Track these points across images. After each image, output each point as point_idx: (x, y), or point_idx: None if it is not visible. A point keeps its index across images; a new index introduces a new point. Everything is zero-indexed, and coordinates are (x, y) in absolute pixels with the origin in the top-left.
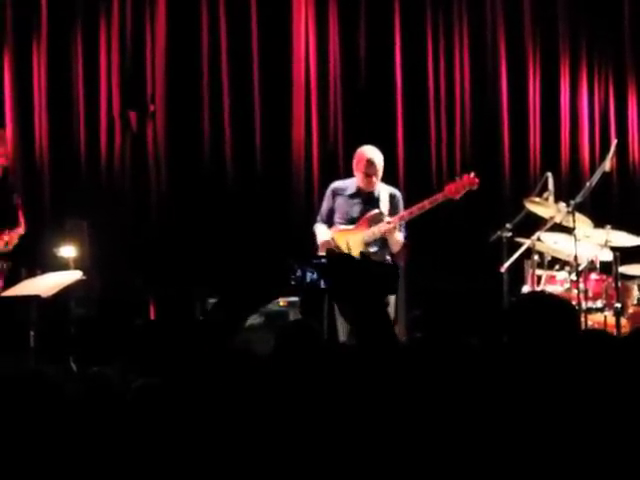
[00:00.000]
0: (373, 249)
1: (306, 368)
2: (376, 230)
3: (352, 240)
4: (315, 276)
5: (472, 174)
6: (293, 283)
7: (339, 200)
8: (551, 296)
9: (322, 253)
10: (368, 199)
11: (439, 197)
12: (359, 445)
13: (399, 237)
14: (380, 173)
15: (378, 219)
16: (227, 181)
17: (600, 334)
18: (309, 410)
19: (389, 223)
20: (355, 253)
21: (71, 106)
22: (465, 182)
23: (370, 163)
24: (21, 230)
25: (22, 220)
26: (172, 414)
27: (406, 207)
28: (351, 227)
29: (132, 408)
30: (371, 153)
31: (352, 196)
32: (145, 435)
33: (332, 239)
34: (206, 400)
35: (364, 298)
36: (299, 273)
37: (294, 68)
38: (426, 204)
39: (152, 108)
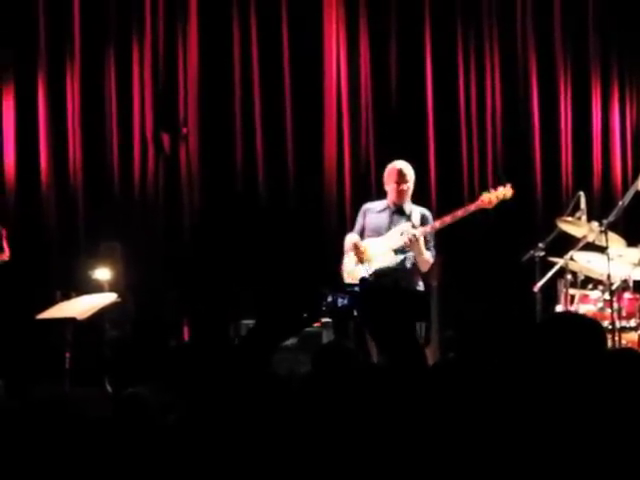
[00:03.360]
0: (401, 257)
1: (344, 390)
2: (406, 239)
3: (380, 248)
4: (346, 301)
5: (508, 185)
6: (324, 309)
7: (369, 217)
8: (577, 316)
9: (349, 254)
10: (398, 213)
11: (472, 207)
12: (397, 467)
13: (426, 255)
14: (411, 185)
15: (408, 230)
16: (260, 201)
17: (628, 353)
18: (349, 431)
19: (424, 229)
20: (382, 262)
21: (104, 129)
22: (499, 192)
23: (401, 172)
24: (5, 257)
25: (6, 248)
26: (212, 437)
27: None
28: (380, 238)
29: (175, 433)
30: (402, 164)
31: (382, 211)
32: (183, 459)
33: (359, 243)
34: (242, 423)
35: (395, 325)
36: (330, 299)
37: (326, 87)
38: (459, 213)
39: (185, 130)
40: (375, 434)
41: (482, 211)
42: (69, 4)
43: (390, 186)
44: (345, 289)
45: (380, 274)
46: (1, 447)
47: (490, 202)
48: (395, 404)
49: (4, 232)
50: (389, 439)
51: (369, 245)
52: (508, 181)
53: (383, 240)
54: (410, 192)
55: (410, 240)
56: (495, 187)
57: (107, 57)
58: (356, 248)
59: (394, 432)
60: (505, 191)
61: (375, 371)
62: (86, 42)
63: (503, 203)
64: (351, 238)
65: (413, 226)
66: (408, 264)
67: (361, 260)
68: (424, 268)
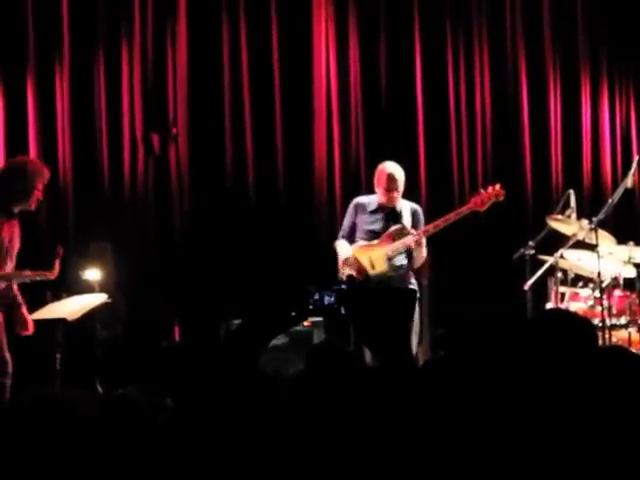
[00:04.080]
0: (398, 263)
1: (339, 390)
2: (399, 244)
3: (375, 255)
4: (332, 299)
5: (498, 186)
6: (311, 307)
7: (361, 216)
8: (568, 313)
9: (344, 271)
10: (390, 214)
11: (464, 209)
12: (388, 466)
13: (424, 252)
14: (401, 188)
15: (401, 233)
16: (250, 202)
17: (618, 351)
18: (340, 431)
19: (417, 235)
20: (378, 268)
21: (94, 129)
22: (491, 194)
23: (391, 178)
24: (52, 276)
25: (57, 267)
26: (200, 437)
27: (428, 222)
28: (374, 243)
29: (163, 433)
30: (392, 168)
31: (374, 212)
32: (172, 459)
33: (354, 257)
34: (232, 423)
35: (382, 323)
36: (317, 296)
37: (315, 86)
38: (451, 216)
39: (174, 131)
40: (367, 432)
41: (473, 213)
42: (58, 4)
43: (380, 190)
44: (333, 288)
45: (377, 280)
46: None
47: (483, 204)
48: (386, 402)
49: (61, 251)
50: (381, 436)
51: (362, 253)
52: (497, 181)
53: (376, 245)
54: (400, 194)
55: (413, 244)
56: (485, 188)
57: (96, 57)
58: (349, 265)
59: (386, 430)
60: (496, 192)
61: (368, 371)
62: (75, 42)
63: (495, 204)
64: (342, 252)
65: (404, 228)
66: (402, 270)
67: (359, 272)
68: (418, 264)
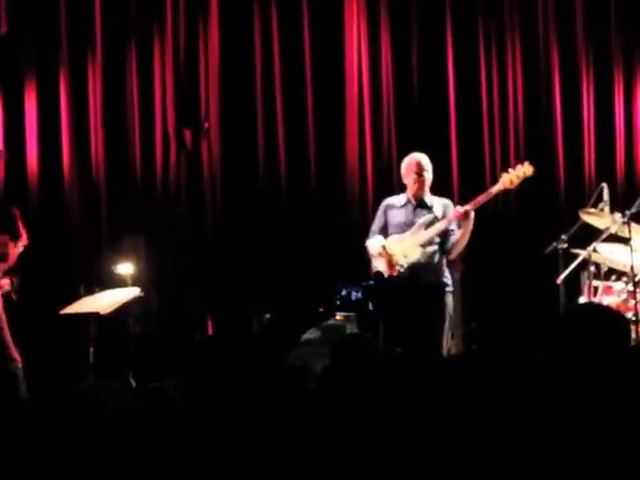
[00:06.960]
0: (430, 249)
1: (364, 381)
2: (432, 232)
3: (407, 244)
4: (360, 295)
5: (527, 163)
6: (338, 302)
7: (391, 213)
8: (602, 307)
9: (376, 263)
10: (420, 206)
11: (493, 190)
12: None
13: (467, 236)
14: (430, 176)
15: (433, 223)
16: (282, 196)
17: None
18: (367, 424)
19: (447, 221)
20: (411, 257)
21: (126, 124)
22: (519, 171)
23: (420, 163)
24: (24, 241)
25: (23, 231)
26: (228, 429)
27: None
28: (405, 235)
29: (194, 425)
30: (419, 156)
31: (404, 206)
32: (202, 450)
33: (386, 247)
34: (261, 416)
35: (409, 319)
36: (344, 292)
37: (347, 82)
38: (480, 198)
39: (207, 125)
40: (391, 423)
41: (505, 193)
42: (91, 1)
43: (410, 178)
44: (361, 283)
45: (412, 269)
46: (27, 442)
47: (511, 182)
48: (411, 394)
49: (17, 212)
50: (404, 428)
51: (395, 244)
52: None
53: (409, 235)
54: (429, 182)
55: (462, 215)
56: (514, 167)
57: (128, 52)
58: (385, 252)
59: (410, 421)
60: (525, 169)
61: (394, 361)
62: (107, 37)
63: (526, 183)
64: (377, 242)
65: (436, 218)
66: (436, 257)
67: (391, 265)
68: (460, 248)
